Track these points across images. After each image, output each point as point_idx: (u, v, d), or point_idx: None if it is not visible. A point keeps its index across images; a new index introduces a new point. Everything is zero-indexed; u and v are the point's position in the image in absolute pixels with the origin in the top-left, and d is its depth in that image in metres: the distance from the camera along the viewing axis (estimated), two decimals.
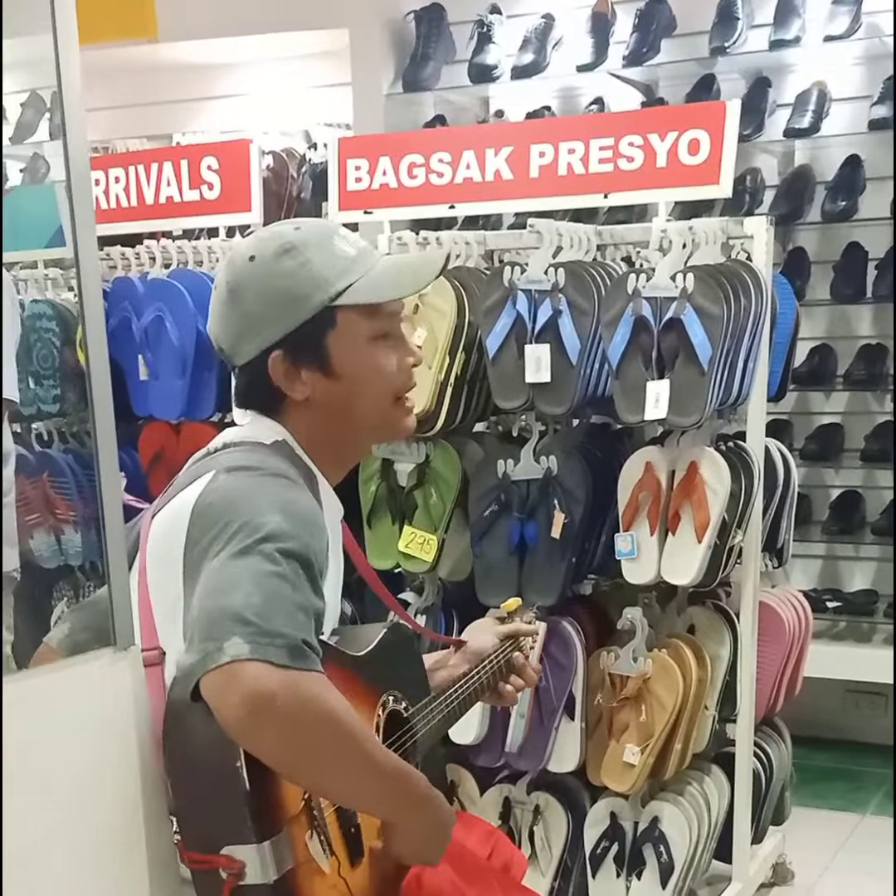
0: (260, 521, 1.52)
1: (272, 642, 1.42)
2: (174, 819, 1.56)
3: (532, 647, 2.17)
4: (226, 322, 1.76)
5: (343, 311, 1.72)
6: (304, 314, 1.70)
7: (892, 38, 3.97)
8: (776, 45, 4.12)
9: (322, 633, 1.61)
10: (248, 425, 1.79)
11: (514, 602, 2.23)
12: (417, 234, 3.02)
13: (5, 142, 5.53)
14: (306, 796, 1.54)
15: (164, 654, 1.61)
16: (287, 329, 1.71)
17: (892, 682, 3.95)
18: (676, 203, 3.65)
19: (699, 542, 2.67)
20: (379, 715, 1.72)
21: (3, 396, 2.63)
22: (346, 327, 1.73)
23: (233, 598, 1.45)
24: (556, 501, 2.78)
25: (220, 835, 1.49)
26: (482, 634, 2.11)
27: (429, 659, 2.04)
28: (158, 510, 1.72)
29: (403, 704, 1.78)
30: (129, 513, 1.81)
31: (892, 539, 4.09)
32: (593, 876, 2.87)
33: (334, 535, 1.77)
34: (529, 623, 2.18)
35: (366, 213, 3.20)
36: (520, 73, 4.41)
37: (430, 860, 1.69)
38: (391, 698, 1.75)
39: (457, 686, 1.95)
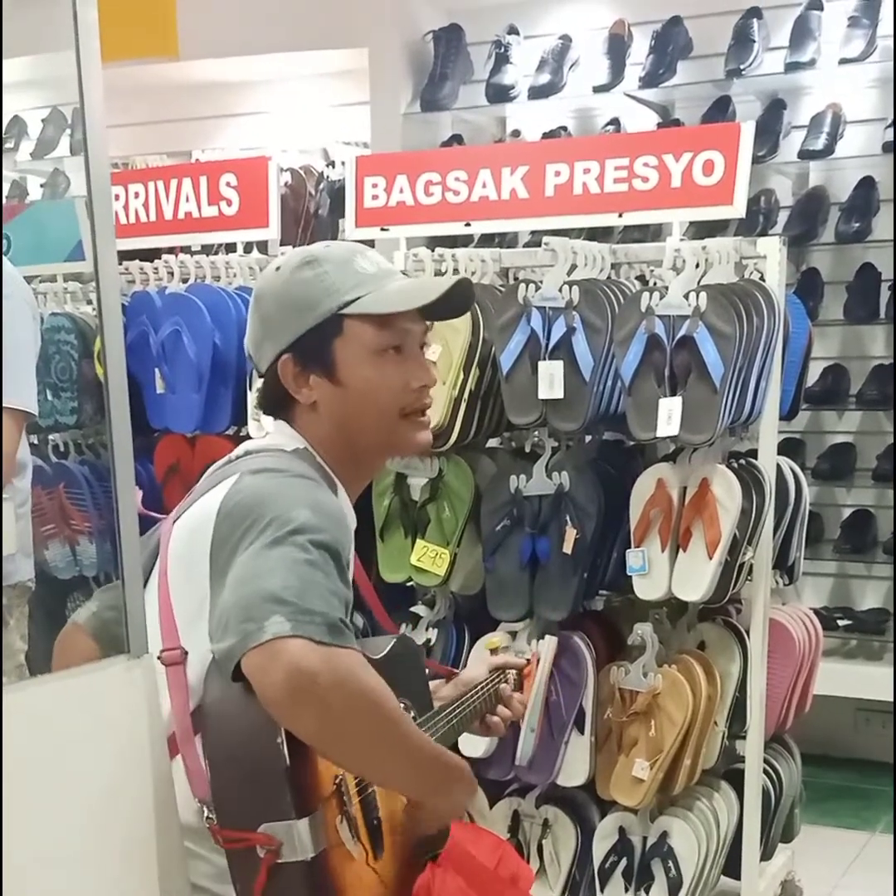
0: (290, 515, 1.55)
1: (312, 620, 1.45)
2: (204, 805, 1.58)
3: (525, 675, 2.21)
4: (251, 328, 1.85)
5: (351, 320, 1.77)
6: (313, 319, 1.76)
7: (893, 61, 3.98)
8: (792, 67, 4.15)
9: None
10: (269, 435, 1.84)
11: (496, 641, 2.36)
12: (433, 251, 3.04)
13: (26, 157, 5.58)
14: (336, 781, 1.56)
15: (186, 653, 1.63)
16: (296, 334, 1.77)
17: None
18: (691, 223, 3.68)
19: (710, 558, 2.68)
20: None
21: (23, 409, 2.66)
22: (353, 336, 1.77)
23: (269, 582, 1.48)
24: (567, 517, 2.80)
25: (258, 812, 1.51)
26: (475, 665, 2.17)
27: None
28: (179, 515, 1.75)
29: (412, 714, 1.80)
30: (146, 523, 1.84)
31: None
32: (602, 890, 2.88)
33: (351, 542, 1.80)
34: (519, 655, 2.28)
35: (382, 230, 3.23)
36: (536, 93, 4.45)
37: (453, 818, 1.75)
38: (402, 705, 1.77)
39: (450, 709, 1.97)
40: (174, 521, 1.76)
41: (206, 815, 1.57)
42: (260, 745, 1.51)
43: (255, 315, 1.83)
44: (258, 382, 1.90)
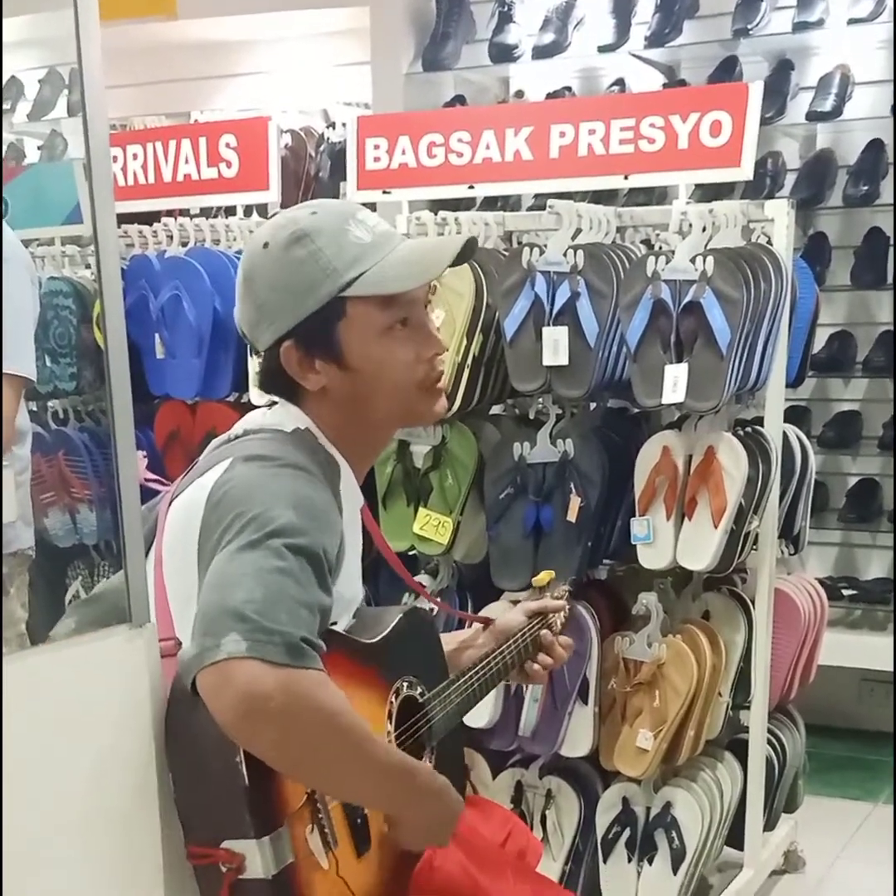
0: (270, 514, 1.50)
1: (271, 639, 1.40)
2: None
3: (563, 623, 2.12)
4: (243, 309, 1.74)
5: (354, 302, 1.68)
6: (313, 305, 1.67)
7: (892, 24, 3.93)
8: (799, 27, 4.09)
9: (334, 623, 1.60)
10: (271, 411, 1.76)
11: (546, 575, 2.17)
12: (436, 214, 3.00)
13: (23, 118, 5.52)
14: (309, 791, 1.53)
15: (180, 644, 1.59)
16: (297, 319, 1.68)
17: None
18: (697, 186, 3.65)
19: (715, 527, 2.66)
20: (392, 702, 1.71)
21: (22, 375, 2.62)
22: (357, 318, 1.68)
23: (234, 594, 1.43)
24: (572, 485, 2.77)
25: (220, 829, 1.49)
26: (510, 612, 2.08)
27: (455, 638, 2.03)
28: (176, 495, 1.71)
29: (419, 690, 1.76)
30: (149, 494, 1.81)
31: None
32: (605, 861, 2.87)
33: (353, 526, 1.74)
34: (560, 598, 2.14)
35: (384, 192, 3.19)
36: (540, 53, 4.39)
37: (439, 843, 1.69)
38: (405, 684, 1.74)
39: (479, 666, 1.92)
40: (172, 500, 1.72)
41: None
42: (219, 763, 1.47)
43: (247, 298, 1.72)
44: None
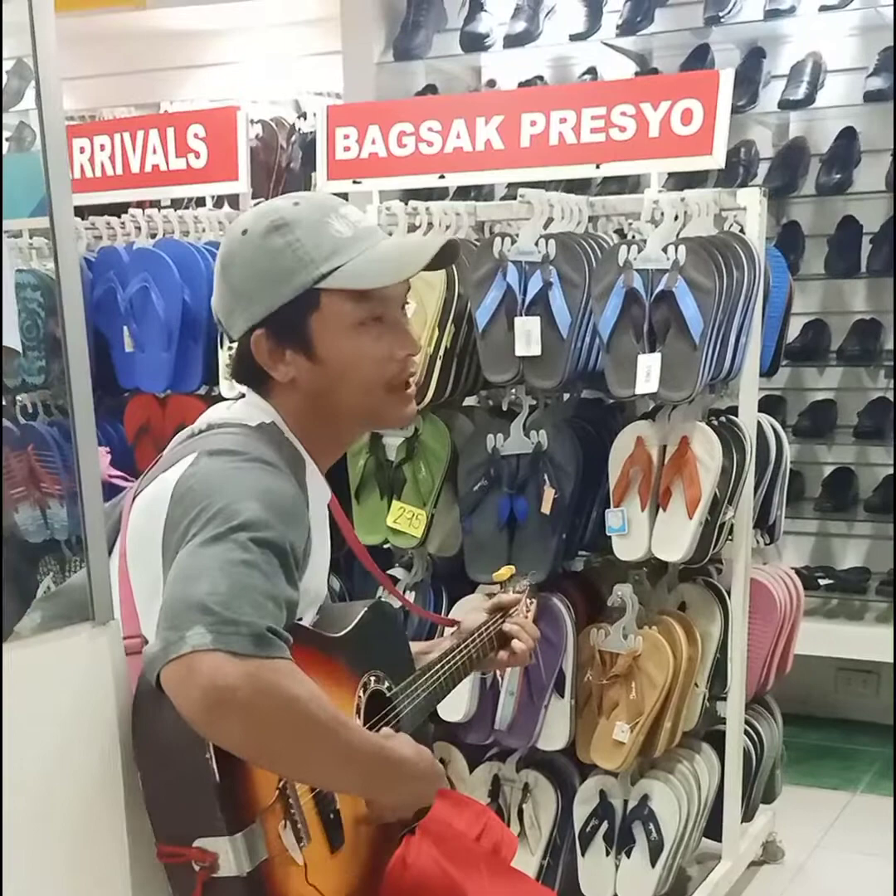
0: (236, 508, 1.48)
1: (237, 631, 1.38)
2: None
3: (528, 613, 2.14)
4: (219, 296, 1.73)
5: (328, 294, 1.66)
6: (287, 294, 1.66)
7: (889, 7, 3.92)
8: (771, 14, 4.07)
9: (300, 619, 1.58)
10: (237, 405, 1.75)
11: (506, 571, 2.22)
12: (407, 204, 2.97)
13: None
14: (280, 785, 1.51)
15: (146, 641, 1.57)
16: (270, 308, 1.67)
17: (883, 659, 3.94)
18: (670, 174, 3.63)
19: (690, 518, 2.64)
20: (360, 696, 1.69)
21: (4, 345, 2.58)
22: (330, 310, 1.67)
23: (198, 587, 1.41)
24: (546, 476, 2.75)
25: (191, 827, 1.46)
26: (473, 613, 2.10)
27: (422, 644, 2.03)
28: (140, 491, 1.69)
29: (386, 684, 1.75)
30: (115, 491, 1.78)
31: (885, 516, 4.07)
32: (582, 854, 2.86)
33: (319, 521, 1.73)
34: (522, 591, 2.16)
35: (355, 182, 3.16)
36: (512, 41, 4.37)
37: (422, 810, 1.70)
38: (373, 678, 1.72)
39: (444, 661, 1.92)
40: (135, 496, 1.69)
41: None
42: (189, 759, 1.44)
43: (224, 283, 1.71)
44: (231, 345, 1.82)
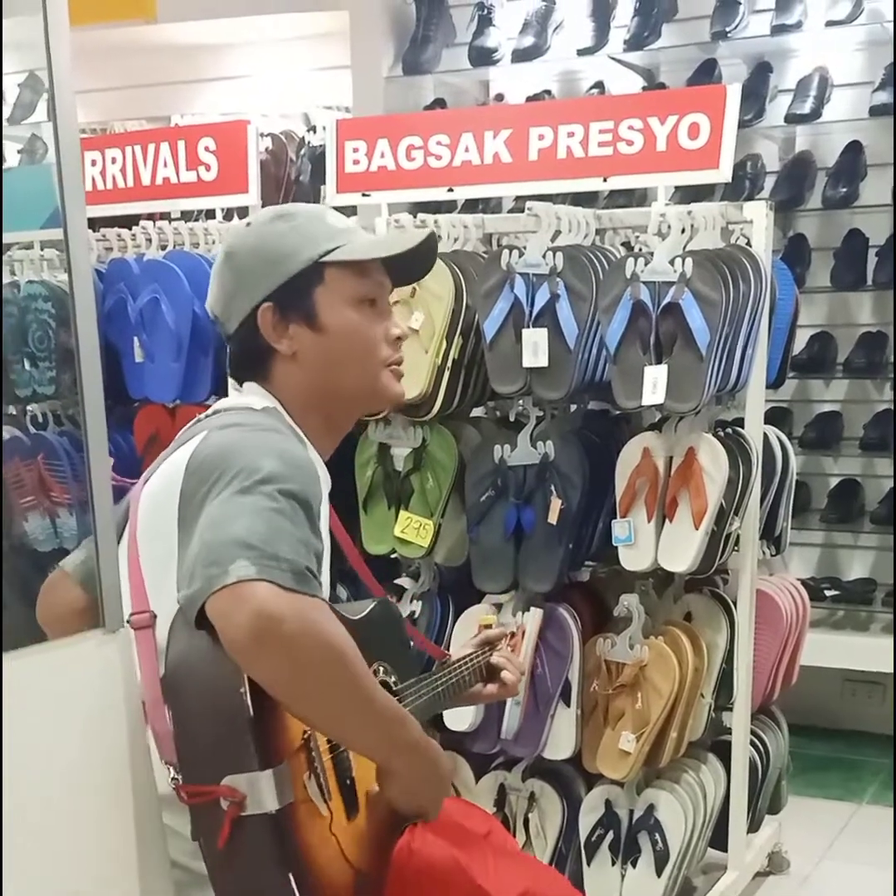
0: (258, 464, 1.54)
1: (279, 565, 1.43)
2: (170, 767, 1.54)
3: (513, 647, 2.30)
4: (220, 284, 1.83)
5: (331, 269, 1.79)
6: (294, 267, 1.77)
7: (893, 23, 3.94)
8: (778, 30, 4.09)
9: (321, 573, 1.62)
10: (239, 395, 1.84)
11: (489, 619, 2.46)
12: (415, 217, 2.99)
13: (3, 122, 5.50)
14: (305, 736, 1.53)
15: (155, 616, 1.60)
16: (277, 282, 1.78)
17: (889, 670, 3.95)
18: (676, 188, 3.64)
19: (696, 528, 2.65)
20: None
21: None
22: (333, 284, 1.79)
23: (236, 528, 1.46)
24: (552, 487, 2.76)
25: (221, 765, 1.48)
26: (463, 648, 2.18)
27: None
28: (149, 477, 1.74)
29: (392, 678, 1.78)
30: (118, 491, 1.80)
31: (890, 528, 4.08)
32: (588, 863, 2.86)
33: (324, 501, 1.77)
34: (505, 628, 2.33)
35: (363, 195, 3.17)
36: (520, 56, 4.39)
37: (426, 811, 1.69)
38: (381, 668, 1.75)
39: (446, 670, 1.98)
40: (144, 483, 1.74)
41: (171, 775, 1.54)
42: (223, 696, 1.47)
43: (226, 271, 1.82)
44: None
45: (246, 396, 1.81)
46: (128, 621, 1.60)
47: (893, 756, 3.87)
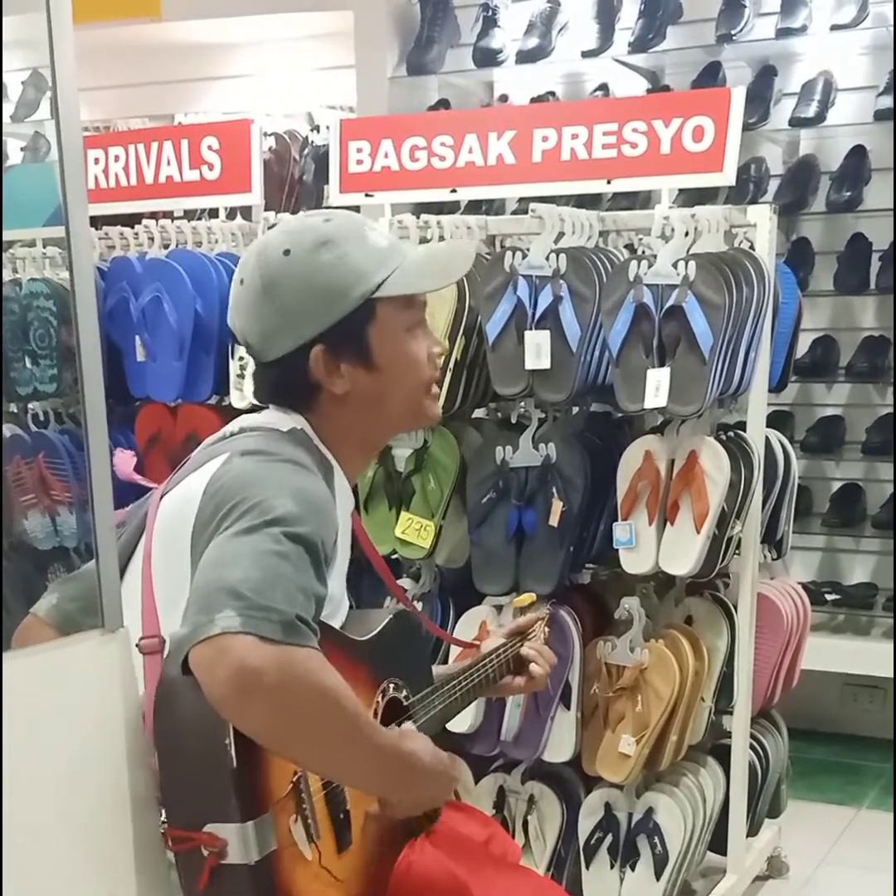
0: (271, 504, 1.50)
1: (267, 616, 1.40)
2: (162, 808, 1.54)
3: (546, 636, 2.19)
4: (258, 318, 1.73)
5: (382, 303, 1.71)
6: (346, 307, 1.69)
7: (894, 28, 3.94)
8: (783, 33, 4.09)
9: (326, 615, 1.59)
10: (265, 413, 1.77)
11: (527, 597, 2.27)
12: (419, 217, 2.99)
13: (6, 120, 5.51)
14: (295, 779, 1.52)
15: (163, 642, 1.58)
16: (328, 323, 1.69)
17: (890, 675, 3.94)
18: (680, 191, 3.64)
19: (698, 532, 2.65)
20: (378, 701, 1.70)
21: None
22: (385, 319, 1.72)
23: (231, 573, 1.43)
24: (554, 489, 2.76)
25: (204, 812, 1.47)
26: (491, 638, 2.13)
27: (441, 667, 2.05)
28: (168, 491, 1.71)
29: (404, 693, 1.76)
30: (139, 491, 1.79)
31: (891, 533, 4.08)
32: (587, 867, 2.86)
33: (344, 526, 1.74)
34: (542, 617, 2.21)
35: (367, 195, 3.17)
36: (525, 57, 4.38)
37: (435, 806, 1.71)
38: (391, 686, 1.73)
39: (462, 677, 1.94)
40: (162, 496, 1.71)
41: (162, 817, 1.53)
42: (208, 744, 1.46)
43: (266, 304, 1.71)
44: (249, 363, 1.82)
45: (273, 414, 1.75)
46: (137, 645, 1.58)
47: (894, 762, 3.86)
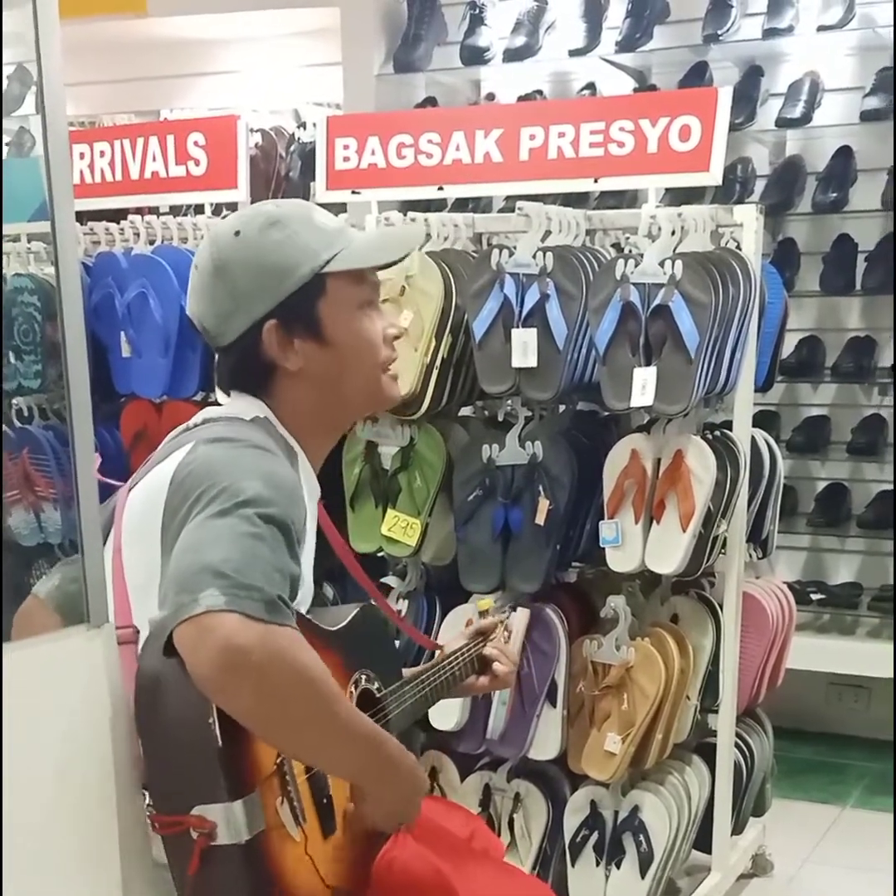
0: (240, 486, 1.51)
1: (249, 595, 1.41)
2: (146, 792, 1.54)
3: (506, 638, 2.25)
4: (211, 301, 1.76)
5: (332, 278, 1.74)
6: (296, 283, 1.72)
7: (887, 28, 3.94)
8: (769, 33, 4.09)
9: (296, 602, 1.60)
10: (228, 403, 1.80)
11: (487, 602, 2.39)
12: (405, 215, 2.98)
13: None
14: (278, 761, 1.52)
15: (138, 632, 1.58)
16: (278, 299, 1.72)
17: (874, 675, 3.96)
18: (667, 190, 3.64)
19: (684, 531, 2.65)
20: (351, 692, 1.71)
21: None
22: (335, 294, 1.75)
23: (210, 554, 1.44)
24: (540, 487, 2.76)
25: (191, 795, 1.47)
26: (456, 638, 2.17)
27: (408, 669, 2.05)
28: (135, 484, 1.71)
29: (376, 685, 1.77)
30: (104, 491, 1.78)
31: (877, 532, 4.09)
32: (572, 864, 2.86)
33: (311, 511, 1.76)
34: (501, 619, 2.26)
35: (353, 192, 3.16)
36: (512, 56, 4.38)
37: (403, 821, 1.70)
38: (363, 677, 1.74)
39: (431, 671, 1.96)
40: (130, 490, 1.71)
41: (147, 802, 1.53)
42: (192, 726, 1.46)
43: (218, 285, 1.74)
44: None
45: (236, 404, 1.77)
46: None
47: (893, 762, 3.86)
